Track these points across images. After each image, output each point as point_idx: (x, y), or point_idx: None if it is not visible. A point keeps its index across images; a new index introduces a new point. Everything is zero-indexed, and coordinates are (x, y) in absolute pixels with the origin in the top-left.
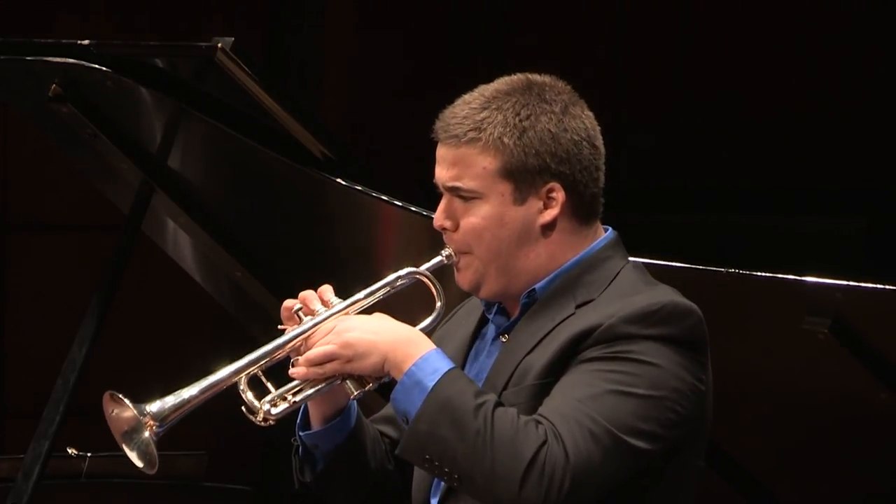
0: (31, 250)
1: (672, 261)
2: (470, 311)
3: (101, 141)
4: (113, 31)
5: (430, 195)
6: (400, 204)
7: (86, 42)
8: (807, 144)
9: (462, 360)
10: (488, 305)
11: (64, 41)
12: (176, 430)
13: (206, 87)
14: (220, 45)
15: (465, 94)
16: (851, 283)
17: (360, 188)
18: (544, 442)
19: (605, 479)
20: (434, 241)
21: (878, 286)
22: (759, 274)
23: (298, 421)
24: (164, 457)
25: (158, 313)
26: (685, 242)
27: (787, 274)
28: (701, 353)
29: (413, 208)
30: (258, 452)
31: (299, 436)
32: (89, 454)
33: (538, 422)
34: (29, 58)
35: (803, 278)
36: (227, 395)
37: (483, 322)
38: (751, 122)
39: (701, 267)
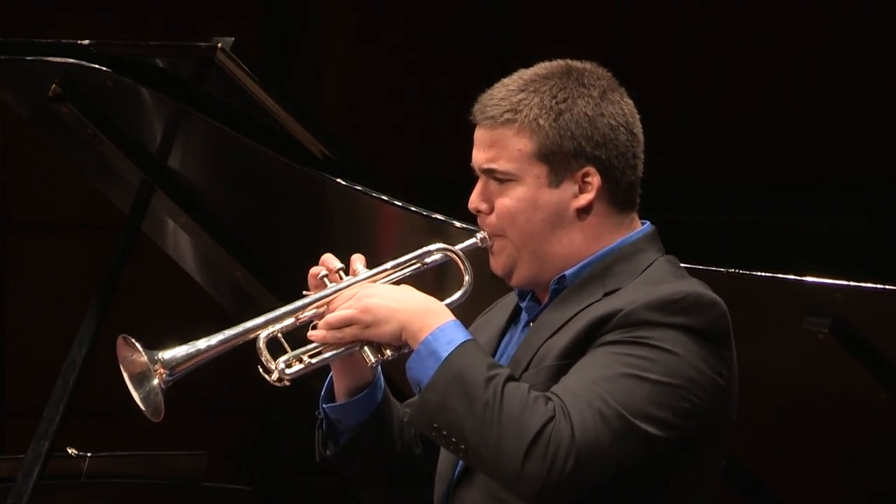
0: (31, 250)
1: None
2: (507, 305)
3: (101, 141)
4: (113, 30)
5: (429, 195)
6: (400, 204)
7: (86, 42)
8: (807, 144)
9: (494, 348)
10: (522, 294)
11: (64, 41)
12: (176, 429)
13: (206, 87)
14: (220, 45)
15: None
16: (851, 283)
17: (360, 188)
18: (551, 418)
19: (611, 461)
20: (434, 242)
21: (878, 286)
22: (759, 274)
23: (322, 393)
24: (164, 457)
25: (158, 313)
26: (686, 242)
27: (787, 274)
28: (722, 348)
29: (413, 208)
30: (258, 452)
31: (323, 409)
32: (89, 454)
33: (548, 398)
34: (29, 58)
35: (803, 278)
36: (229, 393)
37: (518, 312)
38: (751, 122)
39: (701, 267)
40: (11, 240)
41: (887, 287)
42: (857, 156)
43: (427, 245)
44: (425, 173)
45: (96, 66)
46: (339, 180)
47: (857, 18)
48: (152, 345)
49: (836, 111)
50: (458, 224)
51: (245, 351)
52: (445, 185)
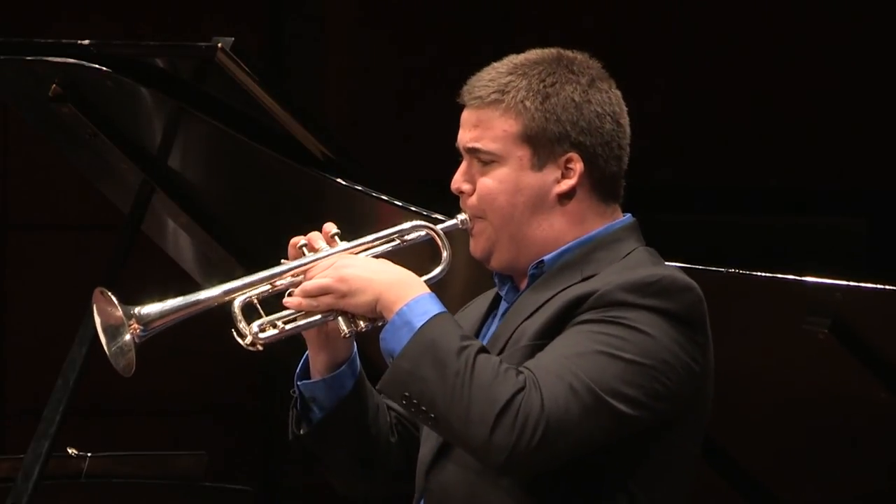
0: (31, 250)
1: (672, 261)
2: (487, 297)
3: (101, 141)
4: (113, 30)
5: (429, 195)
6: (400, 204)
7: (86, 42)
8: (807, 144)
9: (475, 336)
10: (501, 280)
11: (64, 41)
12: (176, 429)
13: (206, 87)
14: (220, 45)
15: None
16: (851, 283)
17: (360, 188)
18: (521, 388)
19: (580, 436)
20: (433, 242)
21: (878, 286)
22: (759, 274)
23: (298, 370)
24: (164, 457)
25: None
26: (685, 242)
27: (787, 274)
28: (696, 332)
29: (413, 208)
30: (258, 452)
31: (297, 386)
32: (89, 454)
33: (520, 371)
34: (29, 58)
35: (803, 278)
36: (230, 393)
37: (497, 300)
38: (751, 122)
39: (701, 267)
40: (11, 240)
41: (887, 287)
42: (858, 156)
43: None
44: (425, 173)
45: (96, 66)
46: (339, 180)
47: (858, 18)
48: (152, 349)
49: (837, 112)
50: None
51: (246, 351)
52: (445, 184)
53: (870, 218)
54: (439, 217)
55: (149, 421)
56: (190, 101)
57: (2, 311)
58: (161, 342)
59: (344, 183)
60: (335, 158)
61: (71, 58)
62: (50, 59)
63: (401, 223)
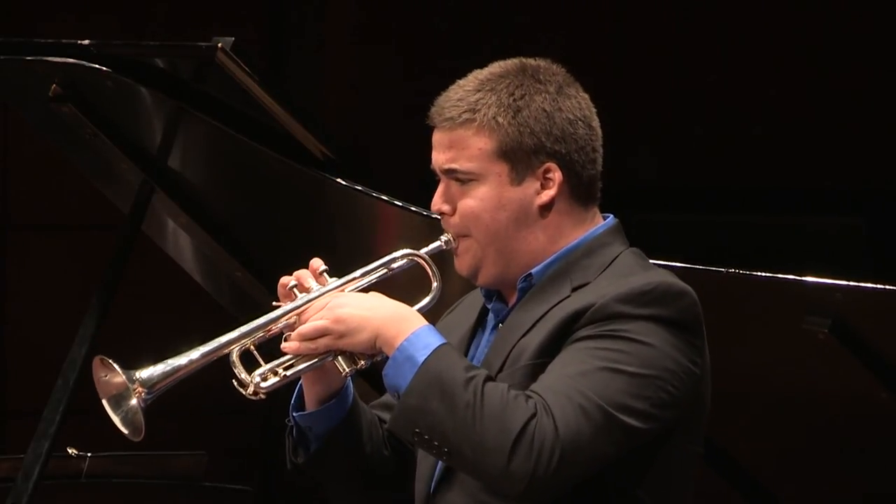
0: (32, 250)
1: (672, 261)
2: (472, 304)
3: (101, 141)
4: (113, 30)
5: (429, 195)
6: (400, 204)
7: (86, 42)
8: (807, 144)
9: (463, 352)
10: (488, 294)
11: (64, 41)
12: (176, 429)
13: (206, 87)
14: (220, 45)
15: None
16: (851, 283)
17: (360, 188)
18: (533, 415)
19: (594, 454)
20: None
21: (878, 286)
22: (759, 274)
23: (293, 402)
24: (164, 457)
25: (158, 313)
26: (685, 242)
27: (787, 274)
28: (695, 336)
29: (413, 208)
30: (258, 453)
31: (293, 416)
32: (89, 454)
33: (528, 396)
34: (29, 58)
35: (803, 278)
36: (229, 394)
37: (484, 313)
38: (751, 122)
39: (701, 267)
40: (12, 240)
41: (887, 287)
42: (857, 156)
43: (401, 249)
44: (425, 173)
45: (96, 66)
46: (339, 180)
47: (858, 18)
48: (152, 349)
49: (836, 111)
50: None
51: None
52: None
53: (870, 218)
54: (439, 217)
55: (149, 421)
56: (190, 101)
57: (2, 311)
58: (160, 343)
59: (344, 183)
60: (335, 158)
61: (71, 58)
62: (50, 59)
63: (391, 252)
